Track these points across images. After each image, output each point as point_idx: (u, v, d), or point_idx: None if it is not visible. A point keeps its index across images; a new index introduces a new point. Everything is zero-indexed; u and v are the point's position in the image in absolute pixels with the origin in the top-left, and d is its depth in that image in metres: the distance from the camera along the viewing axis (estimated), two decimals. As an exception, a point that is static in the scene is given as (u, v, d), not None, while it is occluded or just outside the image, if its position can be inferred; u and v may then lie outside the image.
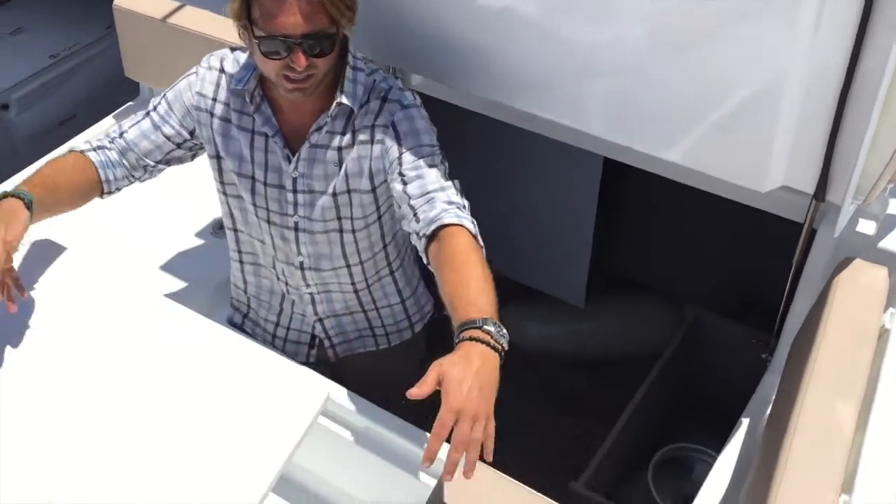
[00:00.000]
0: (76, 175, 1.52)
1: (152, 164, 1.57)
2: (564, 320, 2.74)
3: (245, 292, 1.78)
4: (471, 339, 1.15)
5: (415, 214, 1.39)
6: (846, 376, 1.29)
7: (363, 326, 1.76)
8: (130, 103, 2.58)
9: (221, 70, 1.53)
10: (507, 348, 1.18)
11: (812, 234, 1.63)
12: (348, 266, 1.64)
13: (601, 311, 2.68)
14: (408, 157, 1.43)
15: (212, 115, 1.53)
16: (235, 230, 1.68)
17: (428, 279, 1.76)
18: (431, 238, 1.35)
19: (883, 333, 1.38)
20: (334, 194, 1.52)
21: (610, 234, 2.51)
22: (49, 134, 2.99)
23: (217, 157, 1.56)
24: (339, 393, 1.48)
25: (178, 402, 1.34)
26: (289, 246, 1.60)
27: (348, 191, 1.52)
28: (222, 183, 1.60)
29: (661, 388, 2.13)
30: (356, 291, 1.69)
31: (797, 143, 1.38)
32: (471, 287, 1.25)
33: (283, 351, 1.78)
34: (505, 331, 1.19)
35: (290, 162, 1.51)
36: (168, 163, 1.60)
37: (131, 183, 1.59)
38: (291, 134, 1.51)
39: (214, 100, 1.53)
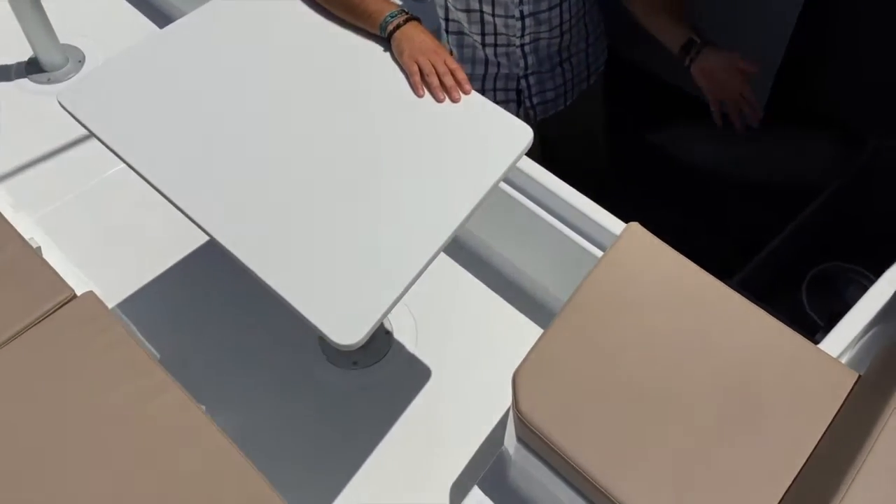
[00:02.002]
0: None
1: None
2: (734, 141, 2.70)
3: None
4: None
5: None
6: None
7: (559, 83, 1.90)
8: None
9: None
10: None
11: None
12: (560, 3, 1.73)
13: (776, 138, 2.63)
14: None
15: None
16: (444, 2, 1.75)
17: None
18: None
19: None
20: None
21: (802, 56, 2.41)
22: None
23: None
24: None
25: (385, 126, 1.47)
26: None
27: None
28: None
29: (829, 212, 2.12)
30: (562, 34, 1.80)
31: None
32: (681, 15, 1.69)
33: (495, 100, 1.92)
34: None
35: None
36: None
37: None
38: None
39: None
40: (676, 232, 2.61)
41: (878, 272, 1.73)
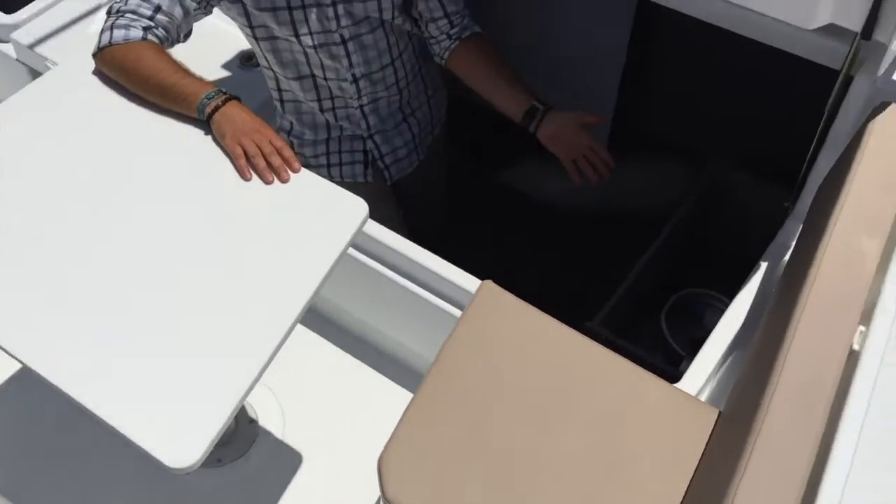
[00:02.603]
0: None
1: (184, 34, 1.57)
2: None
3: (289, 134, 1.83)
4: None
5: (448, 16, 1.67)
6: (875, 214, 1.32)
7: (407, 139, 1.88)
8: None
9: None
10: None
11: (847, 82, 1.62)
12: (393, 61, 1.71)
13: (620, 167, 2.70)
14: None
15: None
16: (274, 74, 1.70)
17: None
18: (461, 40, 1.68)
19: (914, 177, 1.39)
20: None
21: (636, 88, 2.49)
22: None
23: (240, 2, 1.54)
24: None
25: (214, 215, 1.38)
26: (339, 62, 1.63)
27: None
28: (251, 27, 1.59)
29: (679, 238, 2.17)
30: (400, 91, 1.78)
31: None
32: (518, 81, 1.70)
33: (340, 176, 1.87)
34: None
35: None
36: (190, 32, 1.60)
37: None
38: None
39: None
40: (536, 269, 2.65)
41: (732, 294, 1.78)
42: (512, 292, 1.50)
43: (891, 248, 1.31)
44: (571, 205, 2.87)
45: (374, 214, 1.58)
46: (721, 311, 2.04)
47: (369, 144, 1.85)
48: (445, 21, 1.70)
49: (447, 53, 1.72)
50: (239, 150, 1.42)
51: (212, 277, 1.29)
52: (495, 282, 1.52)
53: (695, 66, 2.36)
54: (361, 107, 1.77)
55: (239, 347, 1.21)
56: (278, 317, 1.26)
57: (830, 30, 1.53)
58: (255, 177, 1.42)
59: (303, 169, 1.45)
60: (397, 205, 2.03)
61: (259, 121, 1.46)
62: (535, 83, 2.07)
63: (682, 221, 2.16)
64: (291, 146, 1.85)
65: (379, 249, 1.75)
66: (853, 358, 1.23)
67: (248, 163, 1.42)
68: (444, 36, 1.71)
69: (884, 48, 1.42)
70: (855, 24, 1.36)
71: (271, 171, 1.42)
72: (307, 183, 1.44)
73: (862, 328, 1.25)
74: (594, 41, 2.35)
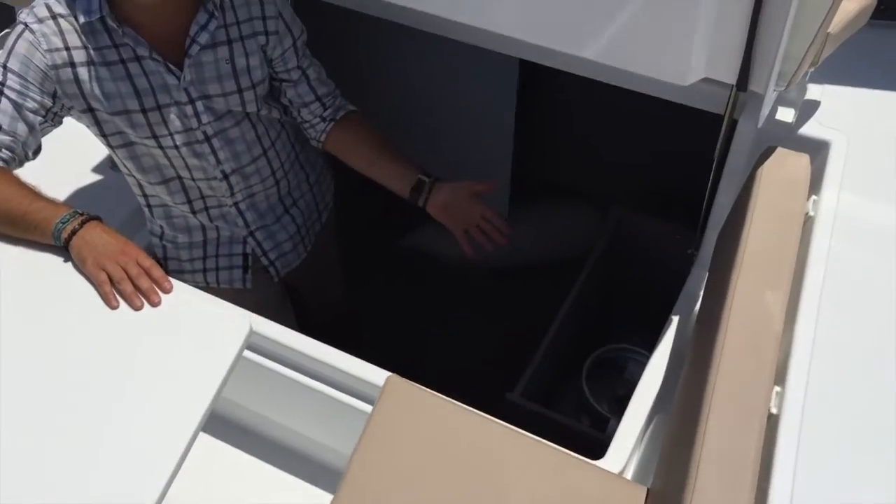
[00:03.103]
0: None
1: (33, 151, 1.44)
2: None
3: (161, 239, 1.71)
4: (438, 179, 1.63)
5: (319, 99, 1.63)
6: (774, 267, 1.29)
7: (292, 231, 1.77)
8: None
9: (53, 16, 1.36)
10: None
11: (733, 125, 1.61)
12: (265, 151, 1.62)
13: (525, 219, 2.66)
14: (299, 44, 1.56)
15: (73, 65, 1.37)
16: (137, 180, 1.60)
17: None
18: (336, 121, 1.64)
19: (807, 220, 1.37)
20: (234, 90, 1.48)
21: (531, 139, 2.46)
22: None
23: (91, 111, 1.43)
24: (261, 323, 1.42)
25: (100, 348, 1.27)
26: (205, 160, 1.53)
27: (245, 87, 1.50)
28: (105, 136, 1.48)
29: (590, 292, 2.12)
30: (277, 182, 1.68)
31: (717, 32, 1.33)
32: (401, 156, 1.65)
33: (217, 283, 1.74)
34: None
35: (175, 75, 1.42)
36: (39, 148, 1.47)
37: None
38: (163, 46, 1.41)
39: (68, 49, 1.37)
40: (451, 336, 2.58)
41: (651, 345, 1.74)
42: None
43: (794, 299, 1.28)
44: (482, 261, 2.82)
45: (266, 314, 1.50)
46: (642, 364, 2.00)
47: (250, 243, 1.74)
48: (318, 104, 1.64)
49: (324, 136, 1.67)
50: (102, 276, 1.31)
51: (92, 420, 1.19)
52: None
53: (586, 112, 2.35)
54: (236, 204, 1.67)
55: (129, 489, 1.10)
56: (168, 451, 1.16)
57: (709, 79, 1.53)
58: (123, 303, 1.31)
59: (177, 284, 1.34)
60: (287, 299, 1.93)
61: (123, 240, 1.35)
62: (429, 150, 2.02)
63: (594, 272, 2.12)
64: (164, 250, 1.74)
65: (278, 350, 1.64)
66: (773, 422, 1.19)
67: (113, 288, 1.30)
68: (319, 119, 1.65)
69: (760, 98, 1.41)
70: (730, 77, 1.35)
71: (139, 296, 1.30)
72: (183, 301, 1.33)
73: (777, 388, 1.21)
74: (481, 96, 2.32)
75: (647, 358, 1.99)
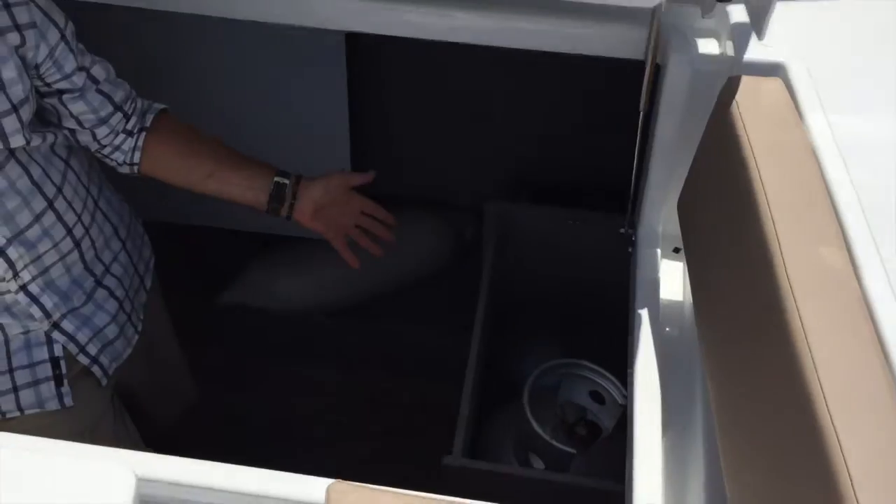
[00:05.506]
0: None
1: None
2: (322, 265, 2.25)
3: None
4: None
5: (119, 108, 1.19)
6: (813, 216, 0.99)
7: (112, 309, 1.27)
8: None
9: None
10: None
11: (655, 73, 1.35)
12: (50, 203, 1.14)
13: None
14: (69, 35, 1.12)
15: None
16: None
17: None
18: (146, 130, 1.23)
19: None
20: None
21: (370, 144, 2.06)
22: None
23: None
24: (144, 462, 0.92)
25: None
26: None
27: (2, 112, 1.05)
28: None
29: (492, 308, 1.75)
30: (77, 244, 1.19)
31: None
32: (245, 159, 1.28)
33: (18, 409, 1.21)
34: None
35: None
36: None
37: None
38: None
39: None
40: (342, 404, 2.13)
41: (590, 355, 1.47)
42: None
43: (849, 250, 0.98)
44: (323, 300, 2.37)
45: (103, 440, 1.08)
46: (580, 377, 1.69)
47: (58, 339, 1.21)
48: (118, 115, 1.19)
49: (137, 155, 1.23)
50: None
51: None
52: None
53: (429, 99, 1.98)
54: (24, 287, 1.15)
55: None
56: None
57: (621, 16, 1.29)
58: None
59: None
60: (123, 407, 1.40)
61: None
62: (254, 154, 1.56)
63: (492, 285, 1.75)
64: None
65: (187, 495, 1.12)
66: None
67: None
68: (123, 134, 1.22)
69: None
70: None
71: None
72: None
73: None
74: (311, 92, 1.89)
75: (584, 369, 1.69)
